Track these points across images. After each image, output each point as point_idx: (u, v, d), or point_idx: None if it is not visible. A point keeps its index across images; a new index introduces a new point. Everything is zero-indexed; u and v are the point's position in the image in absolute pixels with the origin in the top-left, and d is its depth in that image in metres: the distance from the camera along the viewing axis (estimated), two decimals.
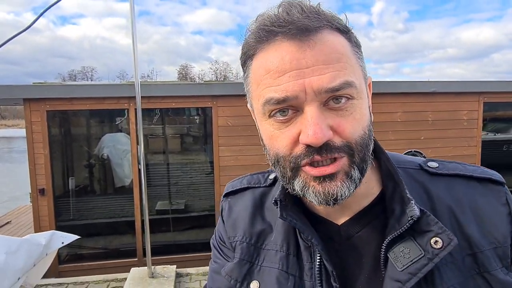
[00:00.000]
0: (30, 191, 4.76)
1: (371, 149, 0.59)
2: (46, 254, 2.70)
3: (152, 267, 4.09)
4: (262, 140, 0.62)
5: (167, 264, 4.38)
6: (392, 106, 5.13)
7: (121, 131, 5.49)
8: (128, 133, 4.93)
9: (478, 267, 0.58)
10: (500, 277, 0.57)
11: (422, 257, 0.56)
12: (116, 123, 5.58)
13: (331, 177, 0.54)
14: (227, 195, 0.81)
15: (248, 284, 0.67)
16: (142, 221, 4.36)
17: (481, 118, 5.44)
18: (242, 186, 0.79)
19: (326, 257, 0.60)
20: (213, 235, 0.81)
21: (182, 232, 5.62)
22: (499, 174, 0.66)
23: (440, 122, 5.32)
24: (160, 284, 3.85)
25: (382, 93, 4.91)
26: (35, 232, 4.47)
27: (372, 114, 0.61)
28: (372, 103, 0.63)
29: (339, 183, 0.54)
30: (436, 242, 0.55)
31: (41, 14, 3.42)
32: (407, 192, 0.59)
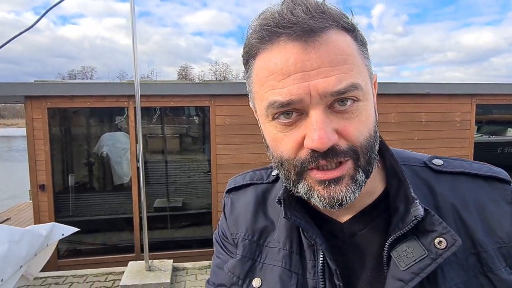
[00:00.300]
0: (30, 188, 4.84)
1: (377, 150, 0.58)
2: (47, 245, 2.79)
3: (150, 261, 4.18)
4: (265, 140, 0.61)
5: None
6: (386, 107, 5.24)
7: (120, 130, 5.58)
8: (127, 132, 5.02)
9: (481, 266, 0.57)
10: (504, 276, 0.57)
11: (426, 257, 0.55)
12: (116, 122, 5.67)
13: (336, 181, 0.54)
14: (229, 191, 0.80)
15: (250, 281, 0.67)
16: (140, 218, 4.46)
17: (474, 119, 5.54)
18: (245, 182, 0.78)
19: (330, 255, 0.60)
20: (216, 230, 0.81)
21: (180, 229, 5.73)
22: (505, 172, 0.65)
23: (433, 123, 5.43)
24: (157, 277, 3.94)
25: (377, 94, 4.99)
26: None
27: (377, 113, 0.60)
28: None
29: (344, 188, 0.54)
30: (440, 242, 0.55)
31: (44, 14, 3.51)
32: (412, 191, 0.59)
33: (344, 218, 0.64)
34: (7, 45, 2.93)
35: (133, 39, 3.79)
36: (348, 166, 0.54)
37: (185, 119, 5.95)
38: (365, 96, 0.54)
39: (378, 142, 0.59)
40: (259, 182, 0.77)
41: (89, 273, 4.29)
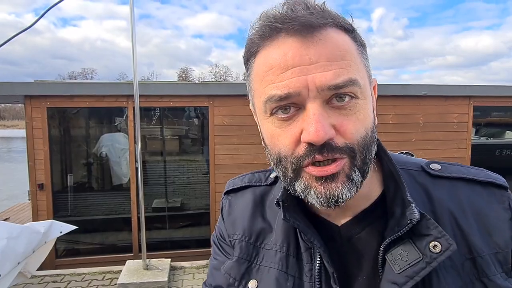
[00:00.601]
0: (29, 189, 4.86)
1: (374, 151, 0.58)
2: (45, 242, 2.81)
3: (147, 260, 4.19)
4: (263, 140, 0.62)
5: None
6: (384, 108, 5.26)
7: (119, 131, 5.60)
8: (127, 133, 5.03)
9: (477, 272, 0.57)
10: (499, 282, 0.57)
11: (420, 260, 0.55)
12: (115, 123, 5.69)
13: (332, 178, 0.54)
14: (228, 192, 0.80)
15: (247, 283, 0.67)
16: (139, 218, 4.48)
17: (471, 121, 5.57)
18: (243, 184, 0.78)
19: (327, 258, 0.60)
20: (214, 232, 0.81)
21: (178, 229, 5.75)
22: (503, 178, 0.65)
23: (431, 124, 5.46)
24: (154, 276, 3.95)
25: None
26: None
27: (376, 117, 0.60)
28: None
29: (340, 185, 0.54)
30: (435, 246, 0.55)
31: (42, 15, 3.55)
32: (408, 195, 0.59)
33: (342, 221, 0.64)
34: (8, 46, 2.96)
35: (132, 37, 3.82)
36: (344, 163, 0.54)
37: (184, 120, 5.97)
38: (363, 95, 0.55)
39: (376, 145, 0.59)
40: (257, 184, 0.77)
41: (86, 272, 4.30)
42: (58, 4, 3.61)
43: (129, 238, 5.12)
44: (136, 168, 4.18)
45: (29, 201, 5.03)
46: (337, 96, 0.52)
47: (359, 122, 0.54)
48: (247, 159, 4.97)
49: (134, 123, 4.23)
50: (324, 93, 0.52)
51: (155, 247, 5.06)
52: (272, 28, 0.54)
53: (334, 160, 0.53)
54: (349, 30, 0.56)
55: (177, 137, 5.79)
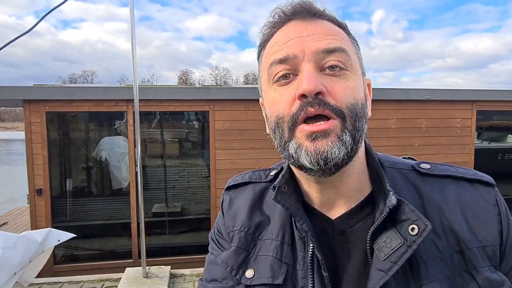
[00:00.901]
0: (28, 192, 4.81)
1: (365, 128, 0.61)
2: (42, 251, 2.75)
3: (147, 267, 4.13)
4: (265, 113, 0.68)
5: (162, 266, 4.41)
6: (386, 112, 5.22)
7: (119, 134, 5.56)
8: (127, 137, 4.99)
9: (465, 264, 0.59)
10: (487, 274, 0.59)
11: (402, 245, 0.57)
12: (115, 126, 5.64)
13: (323, 134, 0.56)
14: (228, 188, 0.83)
15: (244, 272, 0.69)
16: (138, 223, 4.42)
17: (474, 126, 5.52)
18: (244, 181, 0.81)
19: (317, 245, 0.62)
20: (212, 230, 0.83)
21: (178, 234, 5.68)
22: (490, 177, 0.67)
23: (434, 129, 5.40)
24: (154, 284, 3.89)
25: (376, 100, 4.96)
26: None
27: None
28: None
29: (330, 143, 0.56)
30: (413, 229, 0.57)
31: (43, 18, 3.50)
32: (388, 185, 0.62)
33: (335, 214, 0.66)
34: (8, 48, 2.91)
35: (132, 44, 3.78)
36: (336, 124, 0.57)
37: (185, 124, 5.92)
38: (353, 69, 0.61)
39: (367, 125, 0.63)
40: (257, 181, 0.79)
41: (85, 279, 4.24)
42: (59, 7, 3.58)
43: (128, 244, 5.06)
44: (136, 173, 4.14)
45: (28, 205, 4.97)
46: (329, 67, 0.59)
47: (348, 90, 0.59)
48: (248, 164, 4.91)
49: (134, 128, 4.18)
50: (318, 57, 0.59)
51: (155, 253, 4.99)
52: (282, 18, 0.64)
53: (326, 120, 0.57)
54: (343, 27, 0.65)
55: (177, 140, 5.75)
